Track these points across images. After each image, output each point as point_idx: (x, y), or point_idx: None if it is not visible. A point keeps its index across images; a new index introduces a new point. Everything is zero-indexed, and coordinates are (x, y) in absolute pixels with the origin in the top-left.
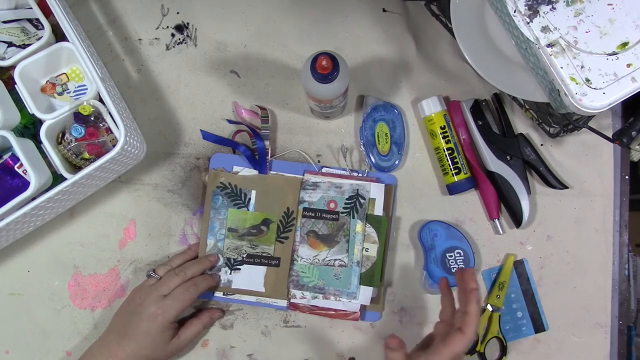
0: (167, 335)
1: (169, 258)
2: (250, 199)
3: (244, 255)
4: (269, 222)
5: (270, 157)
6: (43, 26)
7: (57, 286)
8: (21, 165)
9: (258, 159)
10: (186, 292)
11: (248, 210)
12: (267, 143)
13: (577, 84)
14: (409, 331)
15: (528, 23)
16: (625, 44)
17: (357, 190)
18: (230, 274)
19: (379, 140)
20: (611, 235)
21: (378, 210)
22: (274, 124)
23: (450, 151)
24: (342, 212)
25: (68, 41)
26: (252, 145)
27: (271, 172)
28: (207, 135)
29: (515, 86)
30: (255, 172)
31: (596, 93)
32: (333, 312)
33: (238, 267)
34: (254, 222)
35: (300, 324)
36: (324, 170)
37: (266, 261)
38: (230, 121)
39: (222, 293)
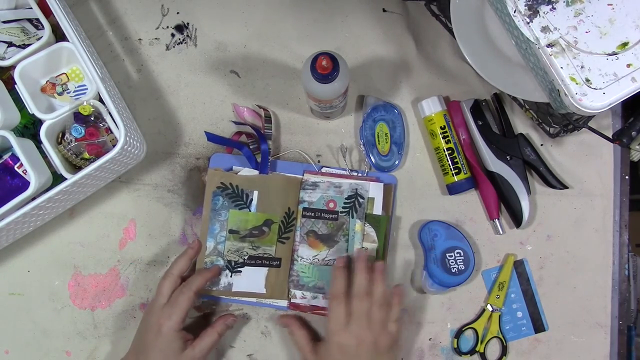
0: (176, 345)
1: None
2: (252, 199)
3: (246, 257)
4: (270, 222)
5: (271, 157)
6: (43, 26)
7: (57, 286)
8: (21, 165)
9: (261, 159)
10: (181, 294)
11: (250, 211)
12: (269, 143)
13: (577, 84)
14: (409, 331)
15: (528, 23)
16: (625, 44)
17: (356, 189)
18: (231, 276)
19: (379, 140)
20: (611, 235)
21: (377, 210)
22: (275, 124)
23: (450, 151)
24: (342, 212)
25: (68, 41)
26: (250, 145)
27: (271, 172)
28: (212, 137)
29: (515, 86)
30: (255, 172)
31: (596, 93)
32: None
33: (239, 269)
34: (256, 223)
35: None
36: (324, 170)
37: (267, 262)
38: (236, 122)
39: (222, 296)
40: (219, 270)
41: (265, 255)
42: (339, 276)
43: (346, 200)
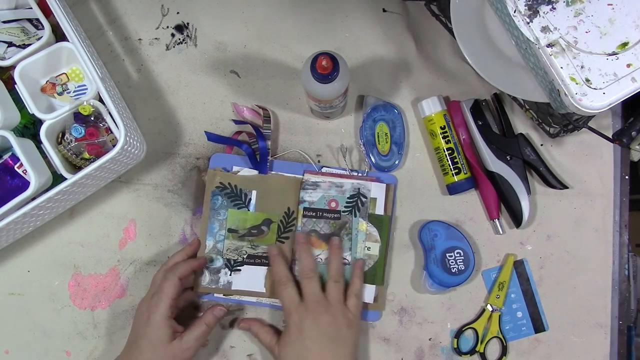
0: (164, 333)
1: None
2: (250, 199)
3: (245, 256)
4: (269, 222)
5: (271, 157)
6: (43, 26)
7: (57, 286)
8: (21, 165)
9: (259, 159)
10: (165, 280)
11: (248, 210)
12: (268, 143)
13: (577, 84)
14: (408, 331)
15: (528, 23)
16: (625, 44)
17: (359, 189)
18: (230, 275)
19: (379, 140)
20: (611, 235)
21: (379, 210)
22: (274, 124)
23: (450, 151)
24: (344, 211)
25: (68, 41)
26: (251, 145)
27: (271, 172)
28: (211, 137)
29: (515, 86)
30: (255, 172)
31: (596, 93)
32: None
33: (238, 267)
34: (255, 222)
35: None
36: (324, 170)
37: (267, 261)
38: (236, 121)
39: (222, 294)
40: (205, 262)
41: (264, 255)
42: (276, 263)
43: (348, 200)
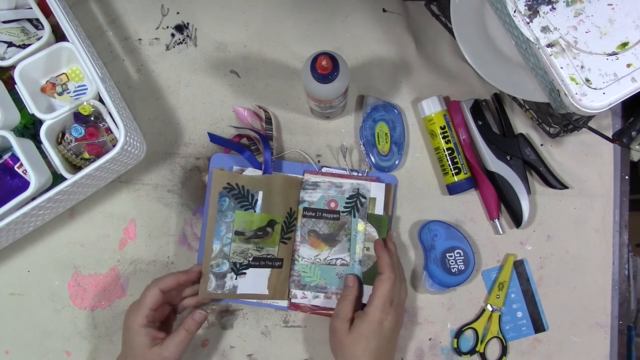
0: (141, 340)
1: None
2: (257, 200)
3: (250, 259)
4: (274, 223)
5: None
6: (43, 26)
7: (57, 286)
8: (21, 165)
9: (264, 162)
10: (147, 290)
11: (255, 211)
12: (271, 143)
13: (577, 84)
14: (408, 331)
15: (528, 23)
16: (625, 44)
17: (358, 189)
18: (236, 279)
19: (379, 140)
20: (611, 235)
21: (379, 210)
22: (274, 124)
23: (450, 151)
24: (343, 212)
25: (68, 41)
26: (253, 152)
27: (274, 172)
28: (214, 138)
29: (515, 86)
30: (259, 172)
31: (596, 93)
32: (334, 312)
33: (244, 271)
34: (260, 223)
35: (300, 324)
36: (324, 170)
37: (270, 263)
38: (236, 127)
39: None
40: (194, 276)
41: (268, 256)
42: (395, 258)
43: (348, 200)
